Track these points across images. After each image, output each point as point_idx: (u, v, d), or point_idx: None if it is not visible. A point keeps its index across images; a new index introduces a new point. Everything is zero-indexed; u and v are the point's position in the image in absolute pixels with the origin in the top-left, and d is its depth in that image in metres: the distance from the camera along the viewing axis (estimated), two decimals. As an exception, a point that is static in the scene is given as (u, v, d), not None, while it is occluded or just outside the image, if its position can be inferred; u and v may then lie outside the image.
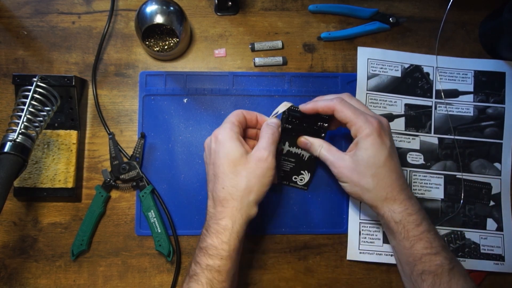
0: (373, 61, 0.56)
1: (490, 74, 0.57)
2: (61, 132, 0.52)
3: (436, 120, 0.55)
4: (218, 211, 0.42)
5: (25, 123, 0.43)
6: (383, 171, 0.43)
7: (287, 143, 0.50)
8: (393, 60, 0.56)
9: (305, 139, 0.48)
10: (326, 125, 0.48)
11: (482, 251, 0.53)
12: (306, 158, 0.51)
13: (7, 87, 0.54)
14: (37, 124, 0.45)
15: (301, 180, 0.52)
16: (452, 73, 0.56)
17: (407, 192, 0.44)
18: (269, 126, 0.46)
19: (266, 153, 0.43)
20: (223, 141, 0.43)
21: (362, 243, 0.53)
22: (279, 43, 0.56)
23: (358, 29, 0.56)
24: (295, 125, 0.49)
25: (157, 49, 0.53)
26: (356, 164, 0.44)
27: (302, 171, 0.52)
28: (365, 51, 0.56)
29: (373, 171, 0.43)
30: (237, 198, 0.41)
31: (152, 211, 0.51)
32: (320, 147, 0.47)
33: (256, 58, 0.55)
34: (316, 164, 0.52)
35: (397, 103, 0.55)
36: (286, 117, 0.48)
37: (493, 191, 0.55)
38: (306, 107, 0.46)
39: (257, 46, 0.56)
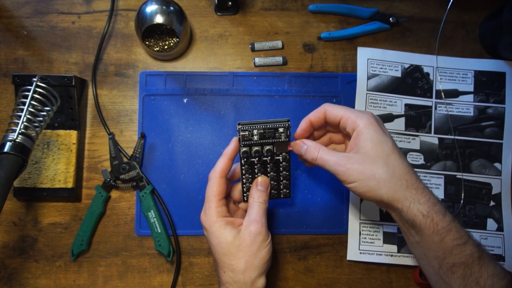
0: (373, 61, 0.56)
1: (490, 74, 0.57)
2: (61, 132, 0.52)
3: (436, 120, 0.55)
4: None
5: (25, 123, 0.43)
6: (395, 156, 0.39)
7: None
8: (393, 60, 0.56)
9: (301, 142, 0.43)
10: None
11: (482, 251, 0.53)
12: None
13: (7, 87, 0.54)
14: (37, 124, 0.45)
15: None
16: (452, 73, 0.56)
17: (421, 180, 0.40)
18: (258, 192, 0.44)
19: (258, 227, 0.42)
20: (210, 230, 0.42)
21: (362, 243, 0.53)
22: (279, 43, 0.56)
23: (358, 29, 0.56)
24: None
25: (157, 49, 0.53)
26: (365, 156, 0.39)
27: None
28: (365, 51, 0.56)
29: (385, 159, 0.39)
30: (238, 280, 0.41)
31: (152, 211, 0.51)
32: (317, 149, 0.42)
33: (256, 58, 0.55)
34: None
35: (397, 103, 0.55)
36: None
37: (493, 191, 0.55)
38: (299, 131, 0.45)
39: (257, 46, 0.56)
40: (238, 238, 0.42)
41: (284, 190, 0.47)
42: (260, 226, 0.42)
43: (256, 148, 0.44)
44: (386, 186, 0.39)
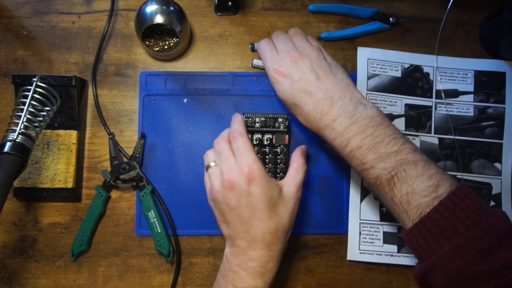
0: (373, 61, 0.56)
1: (490, 74, 0.57)
2: (61, 132, 0.52)
3: (436, 120, 0.55)
4: (264, 255, 0.41)
5: (25, 123, 0.43)
6: (296, 107, 0.44)
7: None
8: (393, 60, 0.56)
9: None
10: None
11: (482, 251, 0.53)
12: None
13: (7, 87, 0.54)
14: (37, 124, 0.45)
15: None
16: (452, 73, 0.56)
17: (329, 116, 0.42)
18: (302, 157, 0.46)
19: (301, 191, 0.44)
20: (260, 181, 0.40)
21: (362, 243, 0.53)
22: None
23: (358, 29, 0.56)
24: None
25: (157, 49, 0.53)
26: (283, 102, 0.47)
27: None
28: (365, 51, 0.56)
29: (291, 110, 0.46)
30: (282, 240, 0.42)
31: (152, 211, 0.51)
32: None
33: (254, 60, 0.55)
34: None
35: (397, 103, 0.55)
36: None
37: (494, 191, 0.55)
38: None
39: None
40: (282, 196, 0.43)
41: None
42: (301, 192, 0.44)
43: (257, 135, 0.50)
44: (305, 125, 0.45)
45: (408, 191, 0.38)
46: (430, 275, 0.37)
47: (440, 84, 0.56)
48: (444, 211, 0.36)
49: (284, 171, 0.49)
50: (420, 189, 0.38)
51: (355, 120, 0.41)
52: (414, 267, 0.39)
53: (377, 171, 0.40)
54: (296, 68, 0.44)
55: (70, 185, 0.51)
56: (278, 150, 0.49)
